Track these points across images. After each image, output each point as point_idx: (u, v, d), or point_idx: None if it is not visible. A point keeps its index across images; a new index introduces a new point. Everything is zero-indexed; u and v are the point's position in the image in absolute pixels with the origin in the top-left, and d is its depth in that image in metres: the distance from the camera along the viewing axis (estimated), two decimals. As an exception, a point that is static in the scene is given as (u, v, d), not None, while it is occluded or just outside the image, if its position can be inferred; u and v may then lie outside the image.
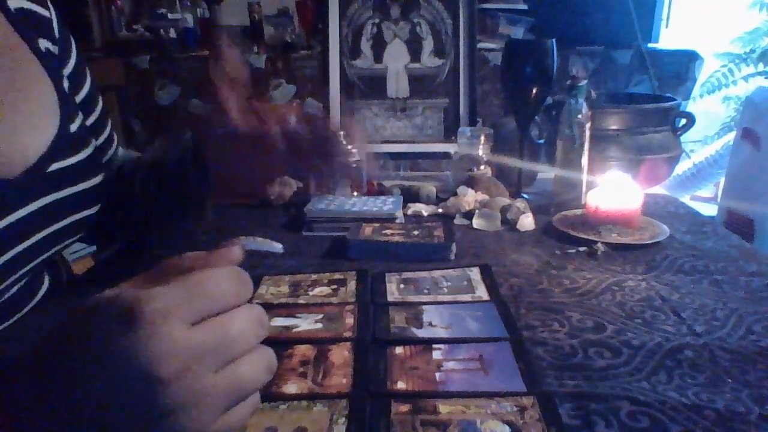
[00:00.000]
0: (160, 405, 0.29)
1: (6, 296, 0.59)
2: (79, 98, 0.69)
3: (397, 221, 0.87)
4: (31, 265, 0.59)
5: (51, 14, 0.67)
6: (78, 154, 0.61)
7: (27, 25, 0.62)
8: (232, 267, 0.34)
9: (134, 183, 0.73)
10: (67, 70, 0.68)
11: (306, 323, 0.57)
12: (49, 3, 0.67)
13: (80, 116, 0.65)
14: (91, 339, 0.29)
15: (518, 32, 2.42)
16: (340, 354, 0.51)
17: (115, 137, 0.79)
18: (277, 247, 0.41)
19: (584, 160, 0.92)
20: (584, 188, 0.92)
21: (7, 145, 0.54)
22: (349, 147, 0.69)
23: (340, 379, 0.47)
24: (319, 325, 0.56)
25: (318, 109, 2.11)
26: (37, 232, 0.57)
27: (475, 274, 0.69)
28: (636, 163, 1.00)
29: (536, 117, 1.01)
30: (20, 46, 0.60)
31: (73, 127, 0.62)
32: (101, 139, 0.74)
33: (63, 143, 0.59)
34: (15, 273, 0.57)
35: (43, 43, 0.64)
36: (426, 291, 0.64)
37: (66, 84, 0.65)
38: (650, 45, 2.42)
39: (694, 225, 0.87)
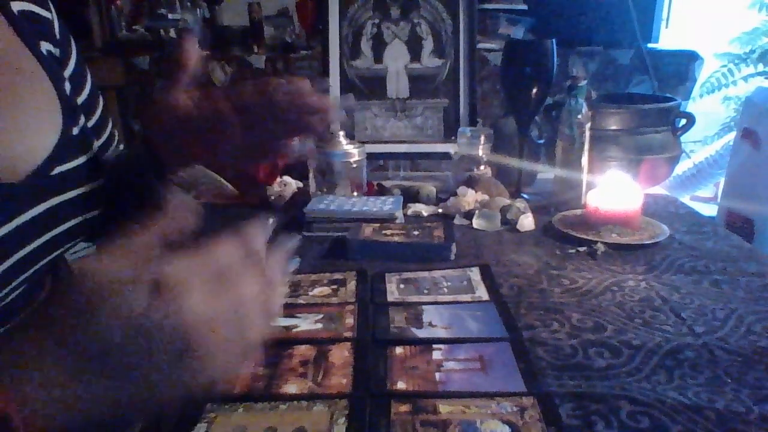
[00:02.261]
0: (194, 355, 0.34)
1: (9, 299, 0.59)
2: (80, 99, 0.69)
3: (397, 221, 0.87)
4: (35, 267, 0.59)
5: (52, 15, 0.67)
6: (81, 157, 0.61)
7: (29, 27, 0.62)
8: (241, 242, 0.38)
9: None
10: (68, 71, 0.68)
11: (306, 323, 0.57)
12: (50, 4, 0.67)
13: (82, 118, 0.65)
14: (136, 301, 0.34)
15: (518, 32, 2.42)
16: (340, 354, 0.51)
17: (116, 135, 0.79)
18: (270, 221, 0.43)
19: (584, 160, 0.92)
20: (584, 188, 0.92)
21: (11, 149, 0.55)
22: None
23: (340, 379, 0.47)
24: (319, 325, 0.56)
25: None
26: (42, 236, 0.57)
27: (475, 274, 0.69)
28: (636, 163, 1.00)
29: (536, 117, 1.01)
30: (22, 50, 0.60)
31: (76, 130, 0.62)
32: (102, 138, 0.74)
33: (66, 146, 0.60)
34: (19, 276, 0.57)
35: (45, 46, 0.64)
36: (426, 291, 0.64)
37: (68, 86, 0.65)
38: (650, 45, 2.42)
39: (694, 225, 0.87)
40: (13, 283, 0.56)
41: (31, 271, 0.58)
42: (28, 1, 0.64)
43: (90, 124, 0.70)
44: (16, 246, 0.55)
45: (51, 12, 0.67)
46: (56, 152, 0.58)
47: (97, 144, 0.67)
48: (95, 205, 0.65)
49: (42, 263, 0.60)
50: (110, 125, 0.77)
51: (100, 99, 0.74)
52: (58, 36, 0.67)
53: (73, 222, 0.61)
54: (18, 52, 0.60)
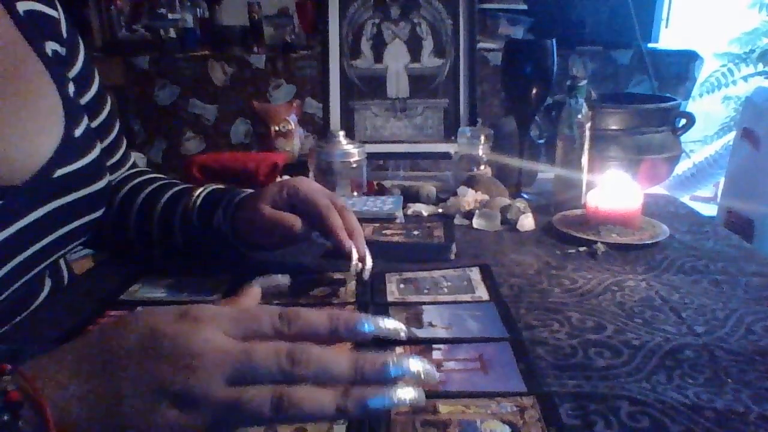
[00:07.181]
0: (172, 387, 0.31)
1: (9, 300, 0.59)
2: (86, 99, 0.69)
3: (397, 221, 0.87)
4: (37, 269, 0.59)
5: (59, 14, 0.67)
6: (83, 159, 0.61)
7: (35, 27, 0.62)
8: (280, 309, 0.36)
9: (153, 223, 0.71)
10: (74, 71, 0.68)
11: (306, 323, 0.57)
12: (56, 2, 0.67)
13: (85, 120, 0.65)
14: (151, 323, 0.34)
15: (518, 32, 2.42)
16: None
17: (124, 141, 0.78)
18: (285, 280, 0.43)
19: (584, 160, 0.92)
20: (584, 188, 0.92)
21: (13, 151, 0.54)
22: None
23: (340, 379, 0.47)
24: (319, 325, 0.56)
25: (318, 109, 2.11)
26: (43, 238, 0.57)
27: (475, 274, 0.69)
28: (636, 163, 1.00)
29: (536, 117, 1.01)
30: (26, 51, 0.60)
31: (78, 132, 0.62)
32: (108, 140, 0.74)
33: (68, 148, 0.59)
34: (21, 278, 0.57)
35: (51, 46, 0.63)
36: (426, 291, 0.64)
37: (72, 87, 0.65)
38: (650, 45, 2.42)
39: (694, 225, 0.87)
40: (15, 285, 0.56)
41: (33, 273, 0.58)
42: (34, 0, 0.64)
43: (95, 124, 0.70)
44: (18, 248, 0.55)
45: (58, 10, 0.67)
46: (58, 155, 0.58)
47: (101, 146, 0.67)
48: (97, 207, 0.64)
49: (44, 265, 0.60)
50: (117, 127, 0.76)
51: (108, 101, 0.74)
52: (65, 35, 0.67)
53: (75, 224, 0.61)
54: (22, 53, 0.60)
